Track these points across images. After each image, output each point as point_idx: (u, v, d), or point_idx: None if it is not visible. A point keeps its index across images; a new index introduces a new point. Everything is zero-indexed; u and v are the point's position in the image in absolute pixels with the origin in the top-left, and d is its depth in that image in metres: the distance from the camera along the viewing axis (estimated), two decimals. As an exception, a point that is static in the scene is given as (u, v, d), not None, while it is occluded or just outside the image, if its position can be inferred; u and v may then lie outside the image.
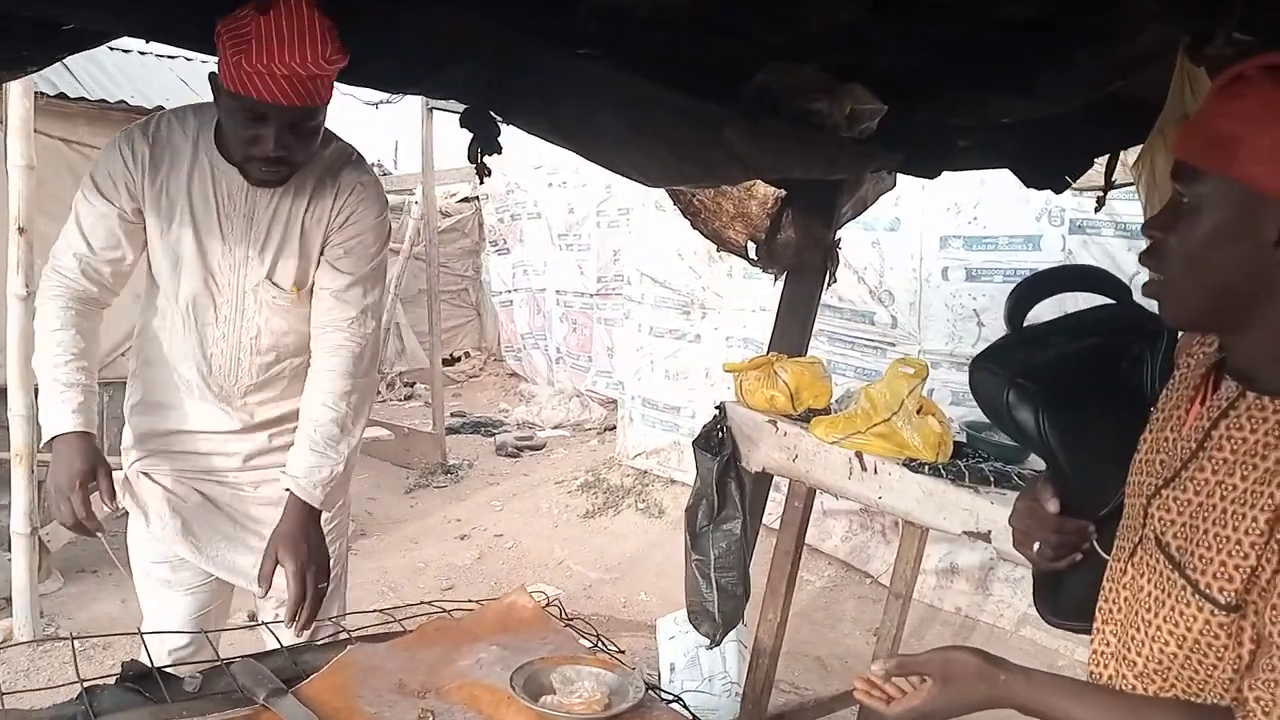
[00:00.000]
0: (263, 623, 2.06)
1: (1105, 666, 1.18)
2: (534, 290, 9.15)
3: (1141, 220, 1.32)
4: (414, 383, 9.46)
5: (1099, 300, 1.42)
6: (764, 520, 3.21)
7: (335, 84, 1.80)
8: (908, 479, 2.33)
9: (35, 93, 3.62)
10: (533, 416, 8.38)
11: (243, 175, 1.88)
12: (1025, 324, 1.38)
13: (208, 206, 1.92)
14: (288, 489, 1.91)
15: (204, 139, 1.92)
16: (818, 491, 2.81)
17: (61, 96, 4.69)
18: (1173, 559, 1.06)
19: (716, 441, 2.83)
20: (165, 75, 5.60)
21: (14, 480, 3.47)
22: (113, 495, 1.84)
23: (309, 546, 1.87)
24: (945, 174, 3.19)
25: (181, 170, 1.91)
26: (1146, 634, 1.09)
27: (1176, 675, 1.06)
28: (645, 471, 6.31)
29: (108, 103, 4.99)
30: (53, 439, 1.87)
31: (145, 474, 2.10)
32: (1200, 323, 1.09)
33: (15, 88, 3.34)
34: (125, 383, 5.38)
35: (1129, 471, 1.21)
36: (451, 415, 7.89)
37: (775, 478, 3.01)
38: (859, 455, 2.44)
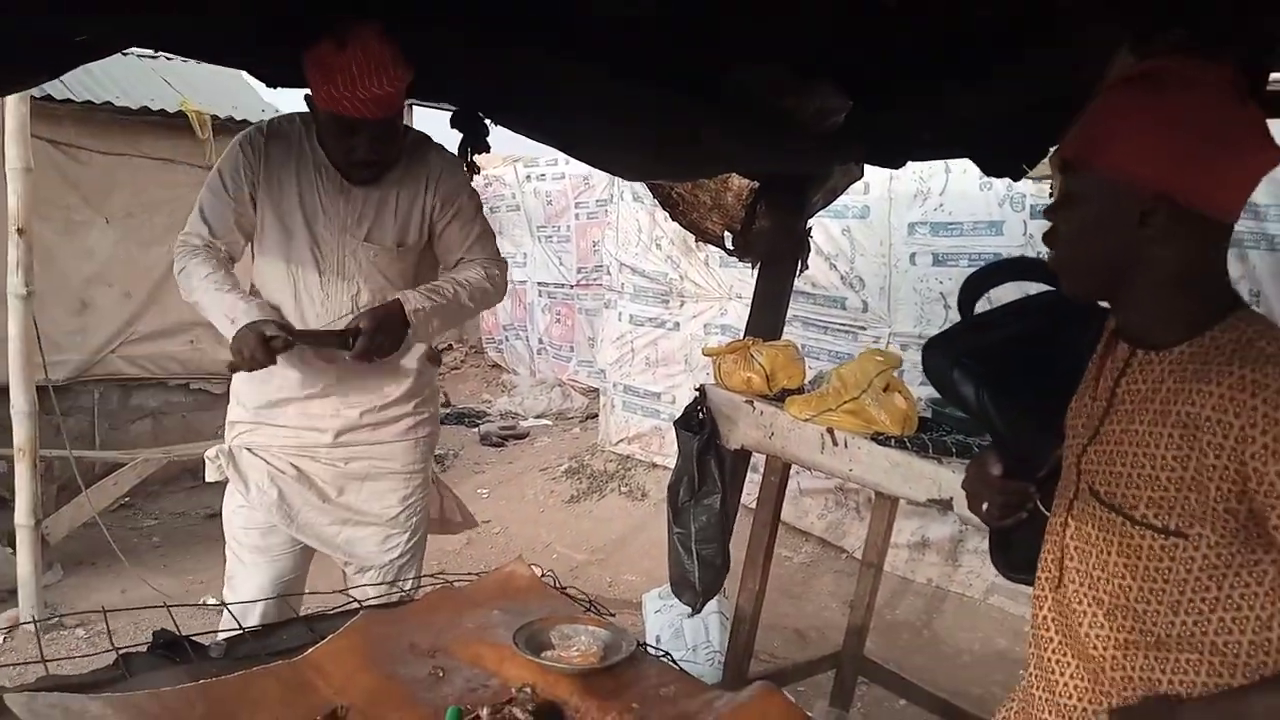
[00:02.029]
0: (346, 589, 2.29)
1: (1071, 610, 1.31)
2: (515, 282, 9.25)
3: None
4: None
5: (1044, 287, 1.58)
6: (743, 500, 3.37)
7: (404, 107, 2.25)
8: (876, 452, 2.49)
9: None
10: (515, 406, 8.49)
11: (345, 178, 2.24)
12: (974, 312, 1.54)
13: (311, 188, 2.28)
14: (393, 299, 2.24)
15: (308, 136, 2.30)
16: (795, 470, 2.96)
17: (48, 98, 4.74)
18: (1108, 504, 1.22)
19: (697, 421, 2.97)
20: (149, 76, 5.66)
21: (18, 475, 3.57)
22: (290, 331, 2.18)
23: (383, 321, 2.18)
24: (910, 164, 3.34)
25: (290, 159, 2.28)
26: (1106, 571, 1.25)
27: (1135, 601, 1.21)
28: (628, 457, 6.45)
29: (94, 104, 5.08)
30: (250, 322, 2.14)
31: (247, 448, 2.37)
32: (1091, 293, 1.25)
33: (11, 93, 3.43)
34: (118, 380, 5.46)
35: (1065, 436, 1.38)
36: (435, 406, 7.98)
37: (753, 458, 3.16)
38: (830, 431, 2.59)
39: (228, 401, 2.44)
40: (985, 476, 1.47)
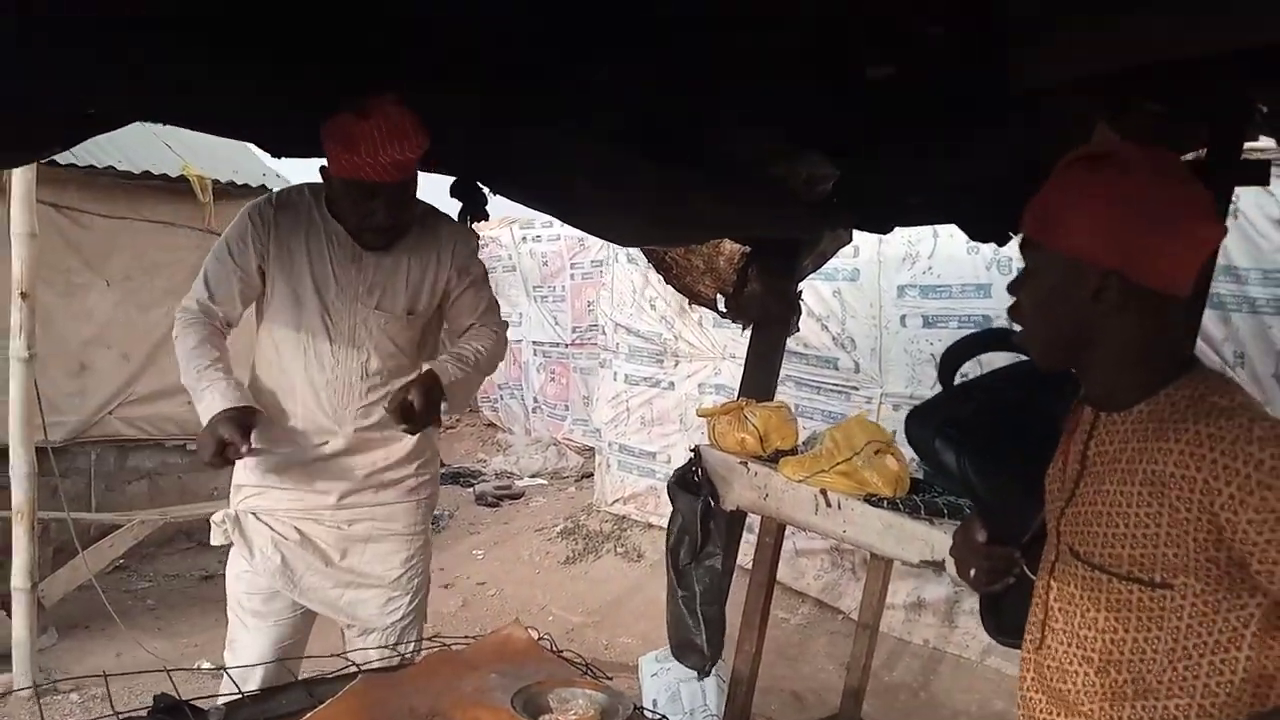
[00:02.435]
0: (346, 652, 2.30)
1: (1058, 670, 1.34)
2: (510, 342, 9.30)
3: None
4: (392, 435, 9.55)
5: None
6: (738, 560, 3.38)
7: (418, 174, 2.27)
8: (869, 514, 2.52)
9: (31, 162, 3.78)
10: (510, 465, 8.49)
11: (358, 243, 2.29)
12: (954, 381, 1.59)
13: (322, 256, 2.31)
14: (428, 369, 2.28)
15: (317, 205, 2.35)
16: (791, 530, 2.98)
17: (52, 163, 4.81)
18: (1089, 562, 1.27)
19: (694, 482, 3.00)
20: (151, 140, 5.76)
21: (15, 538, 3.58)
22: (242, 438, 2.16)
23: (429, 391, 2.22)
24: (898, 229, 3.42)
25: (300, 228, 2.32)
26: (1095, 629, 1.28)
27: (1129, 654, 1.24)
28: (623, 517, 6.45)
29: (96, 168, 5.16)
30: (211, 419, 2.17)
31: (252, 513, 2.38)
32: (1057, 363, 1.31)
33: (18, 160, 3.50)
34: (115, 442, 5.46)
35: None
36: (430, 466, 7.98)
37: (749, 518, 3.18)
38: (824, 492, 2.62)
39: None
40: (971, 543, 1.50)
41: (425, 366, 2.33)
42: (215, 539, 2.40)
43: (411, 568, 2.47)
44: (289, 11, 1.82)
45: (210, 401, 2.18)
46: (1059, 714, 1.34)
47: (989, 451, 1.42)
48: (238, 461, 2.38)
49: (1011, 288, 1.31)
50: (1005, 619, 1.61)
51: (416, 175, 2.25)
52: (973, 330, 4.20)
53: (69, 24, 1.62)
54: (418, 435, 2.38)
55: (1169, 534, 1.17)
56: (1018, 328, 1.33)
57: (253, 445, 2.19)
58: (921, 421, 1.50)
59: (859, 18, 1.94)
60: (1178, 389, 1.20)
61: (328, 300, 2.31)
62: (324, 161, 2.21)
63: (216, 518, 2.39)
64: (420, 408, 2.19)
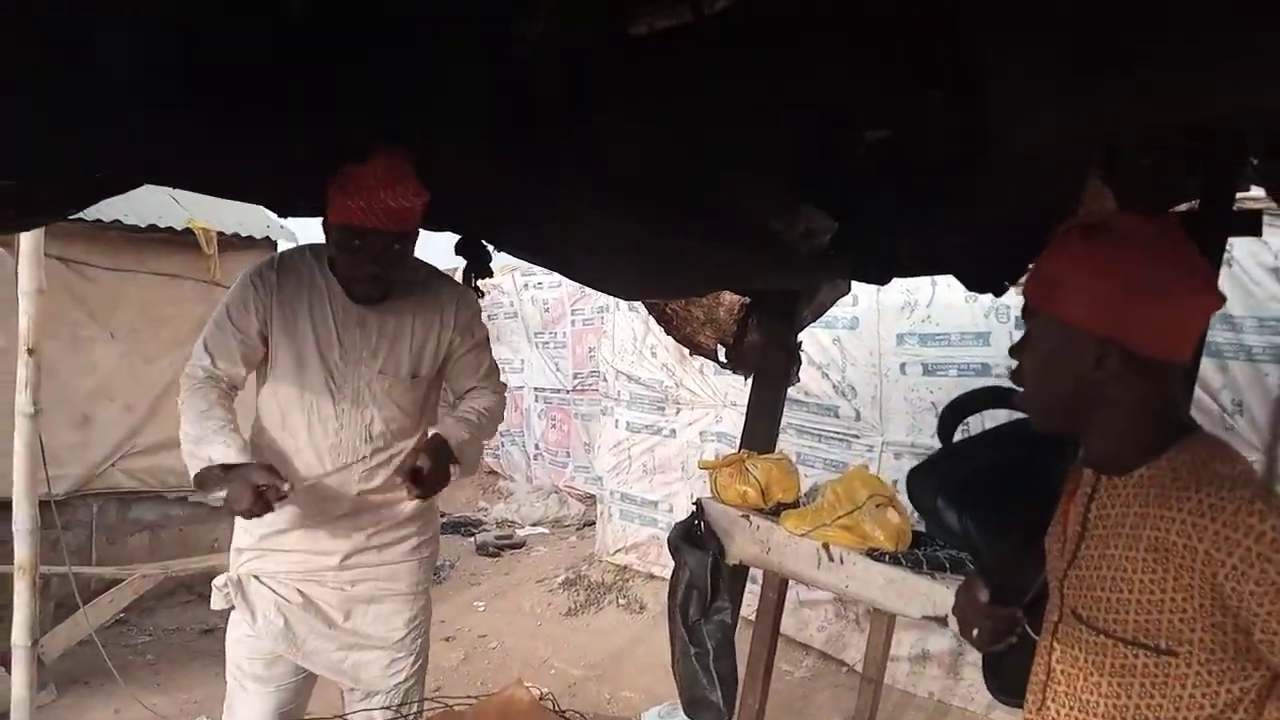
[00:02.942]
0: (347, 714, 2.35)
1: None
2: (512, 388, 9.34)
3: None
4: (393, 483, 9.52)
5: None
6: (741, 612, 3.36)
7: (417, 232, 2.26)
8: (871, 568, 2.51)
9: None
10: (511, 514, 8.46)
11: (347, 294, 2.28)
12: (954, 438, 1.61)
13: (325, 319, 2.30)
14: (435, 433, 2.31)
15: (319, 266, 2.35)
16: (794, 582, 2.97)
17: (60, 219, 4.88)
18: (1093, 626, 1.28)
19: (700, 535, 3.00)
20: (157, 193, 5.82)
21: (16, 594, 3.56)
22: (280, 480, 2.15)
23: (439, 456, 2.25)
24: (895, 279, 3.44)
25: (303, 290, 2.32)
26: (1098, 693, 1.29)
27: (1131, 719, 1.25)
28: (625, 567, 6.42)
29: (103, 222, 5.20)
30: (225, 468, 2.15)
31: (255, 576, 2.37)
32: (1055, 426, 1.33)
33: (26, 217, 3.54)
34: (116, 494, 5.45)
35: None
36: (431, 515, 7.96)
37: (751, 569, 3.17)
38: (826, 546, 2.62)
39: (224, 515, 2.46)
40: (974, 603, 1.51)
41: (432, 430, 2.34)
42: (216, 603, 2.38)
43: (415, 628, 2.47)
44: (291, 73, 1.86)
45: (227, 454, 2.15)
46: None
47: (990, 511, 1.43)
48: (238, 525, 2.38)
49: (1013, 351, 1.34)
50: (1008, 679, 1.61)
51: (416, 232, 2.24)
52: (972, 377, 4.23)
53: (76, 93, 1.66)
54: (426, 499, 2.38)
55: (1173, 600, 1.18)
56: (1018, 388, 1.35)
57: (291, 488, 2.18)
58: (923, 480, 1.52)
59: (858, 84, 1.98)
60: (1178, 453, 1.22)
61: (331, 363, 2.31)
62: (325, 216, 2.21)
63: (218, 582, 2.38)
64: (431, 473, 2.20)
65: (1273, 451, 3.52)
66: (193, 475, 2.19)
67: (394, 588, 2.44)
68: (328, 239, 2.29)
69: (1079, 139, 1.97)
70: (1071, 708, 1.33)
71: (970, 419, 1.65)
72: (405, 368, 2.36)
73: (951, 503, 1.45)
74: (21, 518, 3.53)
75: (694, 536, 3.01)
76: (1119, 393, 1.24)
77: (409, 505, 2.41)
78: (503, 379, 2.58)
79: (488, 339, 2.55)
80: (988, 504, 1.42)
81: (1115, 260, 1.20)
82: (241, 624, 2.37)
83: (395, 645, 2.43)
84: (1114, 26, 1.28)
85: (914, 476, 1.56)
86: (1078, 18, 1.31)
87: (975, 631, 1.51)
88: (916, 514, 2.77)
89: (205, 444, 2.18)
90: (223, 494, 2.12)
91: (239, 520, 2.38)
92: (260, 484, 2.10)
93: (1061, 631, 1.35)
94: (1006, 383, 1.52)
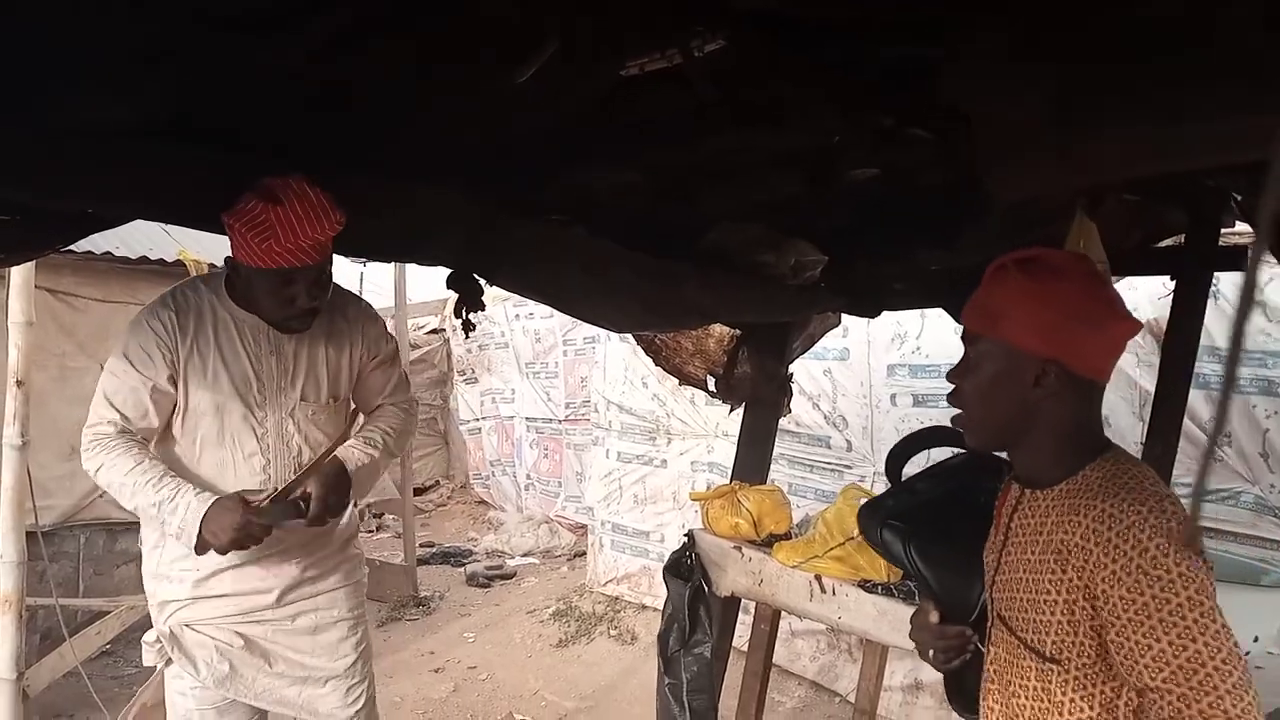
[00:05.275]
0: None
1: None
2: (503, 418, 9.33)
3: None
4: (382, 514, 9.48)
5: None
6: (734, 643, 3.35)
7: (334, 255, 2.15)
8: (863, 599, 2.52)
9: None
10: (502, 544, 8.42)
11: (278, 329, 2.20)
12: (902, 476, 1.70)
13: (237, 354, 2.20)
14: (333, 456, 2.26)
15: (219, 300, 2.23)
16: (784, 613, 2.97)
17: (51, 250, 4.88)
18: (1010, 628, 1.38)
19: (686, 568, 3.00)
20: (147, 225, 5.83)
21: (1, 628, 3.53)
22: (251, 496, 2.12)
23: (331, 482, 2.18)
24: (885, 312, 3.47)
25: (206, 328, 2.20)
26: (1023, 694, 1.37)
27: None
28: (616, 598, 6.39)
29: (94, 254, 5.21)
30: (203, 517, 2.07)
31: (187, 625, 2.26)
32: (992, 444, 1.44)
33: (17, 249, 3.54)
34: (103, 525, 5.39)
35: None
36: (420, 545, 7.92)
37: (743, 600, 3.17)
38: (818, 578, 2.63)
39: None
40: (926, 625, 1.62)
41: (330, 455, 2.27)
42: (149, 659, 2.27)
43: (361, 652, 2.45)
44: (285, 113, 1.88)
45: (191, 502, 2.06)
46: None
47: (931, 538, 1.51)
48: (157, 577, 2.29)
49: (952, 376, 1.45)
50: (969, 695, 1.68)
51: (332, 254, 2.14)
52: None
53: (65, 131, 1.67)
54: (345, 515, 2.35)
55: (1065, 603, 1.28)
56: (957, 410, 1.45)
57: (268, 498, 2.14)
58: (869, 517, 1.61)
59: (848, 125, 2.01)
60: (1094, 469, 1.33)
61: (250, 399, 2.21)
62: (228, 252, 2.11)
63: (148, 638, 2.27)
64: (320, 498, 2.12)
65: (1255, 476, 3.54)
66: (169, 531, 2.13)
67: (334, 615, 2.40)
68: (235, 275, 2.18)
69: (1061, 188, 2.01)
70: (1004, 711, 1.41)
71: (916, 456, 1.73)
72: (325, 391, 2.32)
73: (896, 534, 1.55)
74: (8, 550, 3.52)
75: (679, 568, 3.01)
76: (1052, 409, 1.35)
77: (333, 528, 2.36)
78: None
79: (396, 354, 2.51)
80: (929, 532, 1.51)
81: (1057, 291, 1.33)
82: (183, 677, 2.28)
83: (347, 672, 2.40)
84: (1096, 82, 1.33)
85: (862, 513, 1.66)
86: (1060, 70, 1.35)
87: (931, 652, 1.60)
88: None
89: (165, 509, 2.08)
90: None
91: (158, 570, 2.28)
92: (242, 519, 2.04)
93: (993, 636, 1.45)
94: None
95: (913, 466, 1.70)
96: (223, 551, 2.09)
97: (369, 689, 2.45)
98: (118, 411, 2.19)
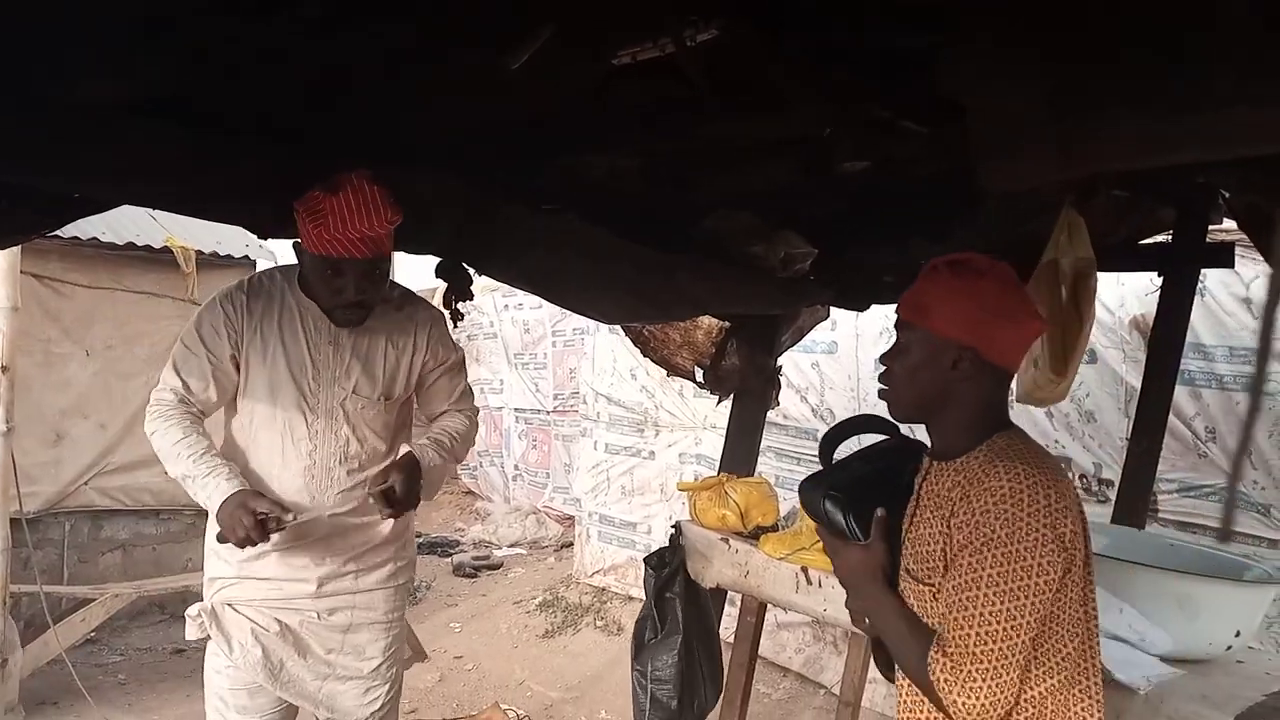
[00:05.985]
0: None
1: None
2: (491, 409, 9.32)
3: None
4: (370, 503, 9.47)
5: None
6: (721, 634, 3.36)
7: (391, 254, 2.26)
8: (849, 591, 2.52)
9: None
10: (489, 535, 8.42)
11: (330, 320, 2.28)
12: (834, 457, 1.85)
13: (297, 340, 2.28)
14: (407, 452, 2.33)
15: (290, 288, 2.32)
16: (770, 605, 2.97)
17: (37, 235, 4.84)
18: (915, 577, 1.57)
19: (661, 559, 3.00)
20: (135, 212, 5.80)
21: (-15, 612, 3.52)
22: (283, 509, 2.17)
23: (411, 474, 2.26)
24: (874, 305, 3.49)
25: (273, 313, 2.30)
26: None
27: None
28: (603, 589, 6.39)
29: (80, 239, 5.16)
30: (222, 502, 2.13)
31: (229, 605, 2.32)
32: (913, 417, 1.63)
33: (2, 234, 3.52)
34: (89, 512, 5.39)
35: None
36: (408, 535, 7.91)
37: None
38: (804, 570, 2.63)
39: (197, 534, 2.42)
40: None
41: (404, 449, 2.33)
42: (190, 633, 2.32)
43: (390, 656, 2.45)
44: (272, 97, 1.87)
45: (219, 485, 2.13)
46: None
47: (866, 509, 1.65)
48: (211, 553, 2.34)
49: (884, 358, 1.63)
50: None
51: (390, 254, 2.24)
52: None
53: (56, 114, 1.66)
54: (396, 518, 2.36)
55: (941, 538, 1.49)
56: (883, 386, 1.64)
57: (294, 518, 2.17)
58: (811, 490, 1.74)
59: (842, 118, 2.01)
60: (992, 443, 1.53)
61: (304, 385, 2.28)
62: (298, 239, 2.20)
63: (191, 611, 2.32)
64: (402, 492, 2.19)
65: (1238, 473, 3.57)
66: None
67: (370, 616, 2.41)
68: (301, 262, 2.28)
69: (1055, 180, 2.02)
70: None
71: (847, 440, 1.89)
72: (378, 389, 2.34)
73: (837, 504, 1.68)
74: (-7, 537, 3.50)
75: (659, 561, 3.02)
76: (966, 390, 1.54)
77: (384, 529, 2.39)
78: (477, 402, 2.58)
79: (463, 362, 2.54)
80: (864, 502, 1.66)
81: (978, 289, 1.50)
82: (219, 654, 2.32)
83: (371, 674, 2.41)
84: (1091, 74, 1.35)
85: (804, 486, 1.76)
86: (1057, 65, 1.36)
87: (866, 620, 1.73)
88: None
89: (197, 483, 2.16)
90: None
91: (213, 548, 2.32)
92: (262, 512, 2.09)
93: (903, 588, 1.60)
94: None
95: (844, 450, 1.85)
96: (221, 542, 2.14)
97: (390, 691, 2.45)
98: (181, 380, 2.27)
